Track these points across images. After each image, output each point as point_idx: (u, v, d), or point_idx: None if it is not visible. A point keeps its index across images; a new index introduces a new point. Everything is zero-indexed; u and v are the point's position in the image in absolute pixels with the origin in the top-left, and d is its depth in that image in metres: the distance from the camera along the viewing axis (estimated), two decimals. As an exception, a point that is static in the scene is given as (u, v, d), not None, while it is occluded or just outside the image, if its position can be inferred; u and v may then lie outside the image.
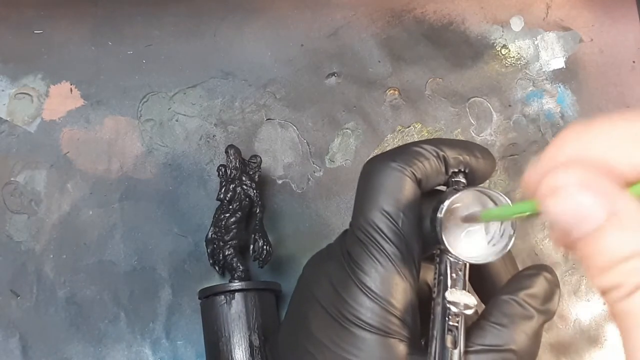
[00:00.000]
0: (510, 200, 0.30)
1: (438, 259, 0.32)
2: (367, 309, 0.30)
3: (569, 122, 0.52)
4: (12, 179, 0.48)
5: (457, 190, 0.31)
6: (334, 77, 0.51)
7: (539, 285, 0.32)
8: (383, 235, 0.31)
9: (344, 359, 0.30)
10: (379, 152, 0.50)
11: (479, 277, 0.36)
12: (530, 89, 0.53)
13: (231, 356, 0.41)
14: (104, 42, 0.50)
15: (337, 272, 0.32)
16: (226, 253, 0.44)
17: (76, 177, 0.48)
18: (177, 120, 0.50)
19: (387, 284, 0.30)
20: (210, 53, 0.51)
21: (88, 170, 0.48)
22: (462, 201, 0.31)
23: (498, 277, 0.36)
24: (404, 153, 0.32)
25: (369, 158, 0.34)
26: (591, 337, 0.48)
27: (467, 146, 0.33)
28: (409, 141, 0.50)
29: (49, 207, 0.47)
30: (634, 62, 0.54)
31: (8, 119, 0.48)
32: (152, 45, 0.51)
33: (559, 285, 0.33)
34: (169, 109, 0.50)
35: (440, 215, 0.31)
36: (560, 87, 0.53)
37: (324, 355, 0.31)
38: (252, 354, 0.41)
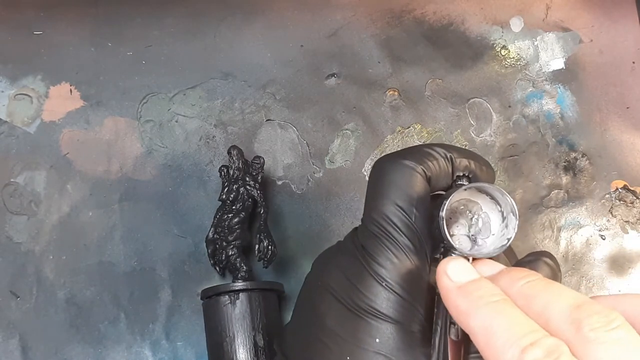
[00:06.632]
0: (512, 198, 0.31)
1: (441, 256, 0.33)
2: (382, 299, 0.31)
3: (569, 122, 0.52)
4: (12, 180, 0.48)
5: (461, 186, 0.32)
6: (333, 77, 0.51)
7: (540, 271, 0.32)
8: (397, 229, 0.31)
9: (359, 349, 0.31)
10: (379, 153, 0.50)
11: None
12: (530, 89, 0.52)
13: (235, 356, 0.41)
14: (104, 43, 0.50)
15: (351, 264, 0.32)
16: (230, 253, 0.44)
17: (76, 178, 0.48)
18: (176, 121, 0.49)
19: (402, 274, 0.31)
20: (210, 54, 0.51)
21: (88, 171, 0.48)
22: (465, 198, 0.33)
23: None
24: (415, 152, 0.33)
25: (379, 157, 0.35)
26: (591, 338, 0.48)
27: (472, 155, 0.35)
28: (409, 142, 0.51)
29: (48, 208, 0.47)
30: (633, 62, 0.53)
31: (8, 120, 0.48)
32: (151, 46, 0.51)
33: (559, 270, 0.33)
34: (168, 109, 0.50)
35: (443, 209, 0.31)
36: (560, 87, 0.53)
37: (339, 346, 0.31)
38: (256, 354, 0.41)
